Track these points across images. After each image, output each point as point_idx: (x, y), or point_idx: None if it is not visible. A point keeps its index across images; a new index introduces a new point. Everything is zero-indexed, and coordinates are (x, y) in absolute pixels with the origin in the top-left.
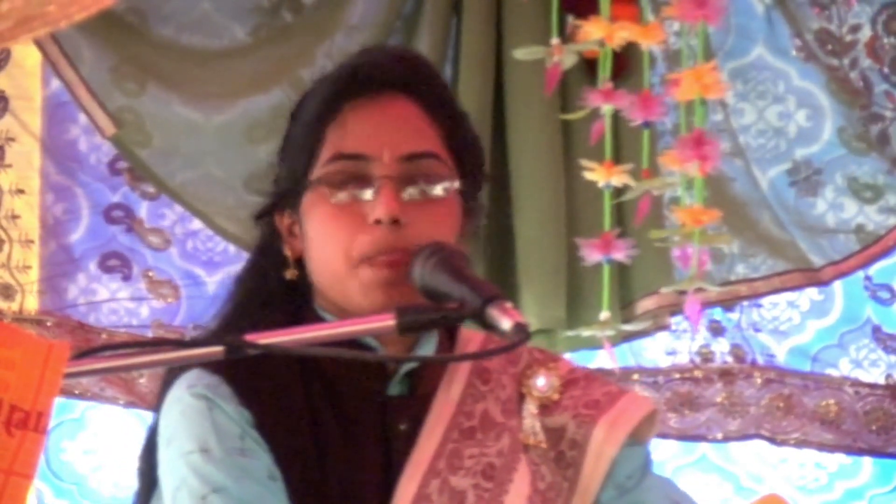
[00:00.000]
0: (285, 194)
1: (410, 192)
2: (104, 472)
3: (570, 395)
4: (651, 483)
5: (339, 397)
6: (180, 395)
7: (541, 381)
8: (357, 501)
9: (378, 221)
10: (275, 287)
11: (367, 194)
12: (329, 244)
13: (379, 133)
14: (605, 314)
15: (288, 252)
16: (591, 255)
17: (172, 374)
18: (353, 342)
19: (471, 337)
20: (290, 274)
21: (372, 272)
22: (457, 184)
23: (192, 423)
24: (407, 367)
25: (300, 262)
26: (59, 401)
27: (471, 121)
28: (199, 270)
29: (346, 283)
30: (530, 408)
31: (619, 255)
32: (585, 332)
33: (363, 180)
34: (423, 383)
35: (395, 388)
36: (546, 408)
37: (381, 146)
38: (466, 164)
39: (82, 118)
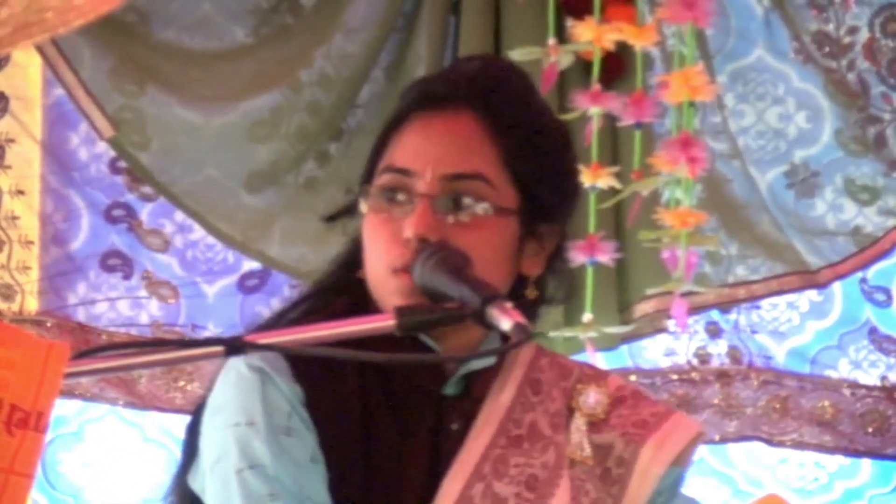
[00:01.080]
0: (355, 198)
1: (447, 213)
2: (100, 483)
3: (617, 414)
4: (680, 503)
5: (394, 391)
6: (237, 365)
7: (591, 398)
8: (400, 494)
9: (408, 238)
10: (347, 281)
11: (406, 209)
12: (372, 251)
13: (427, 149)
14: (587, 316)
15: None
16: (576, 257)
17: None
18: (410, 340)
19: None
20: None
21: (398, 281)
22: (504, 206)
23: (243, 395)
24: (464, 367)
25: None
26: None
27: (564, 143)
28: (198, 278)
29: (382, 289)
30: (579, 423)
31: (604, 258)
32: (567, 334)
33: (405, 195)
34: (478, 385)
35: (451, 388)
36: (594, 424)
37: (425, 163)
38: (533, 187)
39: (82, 120)
